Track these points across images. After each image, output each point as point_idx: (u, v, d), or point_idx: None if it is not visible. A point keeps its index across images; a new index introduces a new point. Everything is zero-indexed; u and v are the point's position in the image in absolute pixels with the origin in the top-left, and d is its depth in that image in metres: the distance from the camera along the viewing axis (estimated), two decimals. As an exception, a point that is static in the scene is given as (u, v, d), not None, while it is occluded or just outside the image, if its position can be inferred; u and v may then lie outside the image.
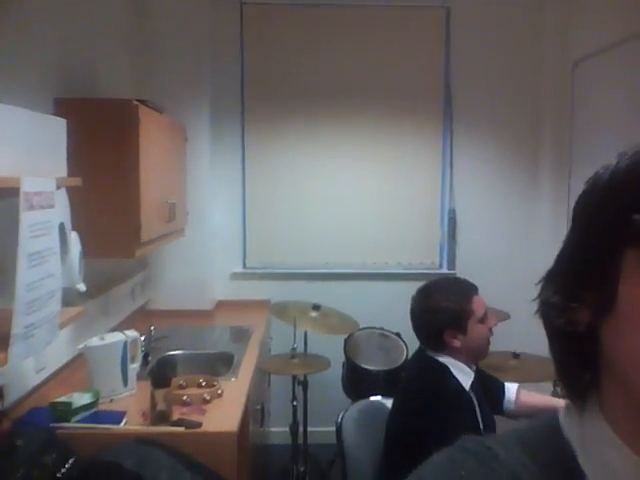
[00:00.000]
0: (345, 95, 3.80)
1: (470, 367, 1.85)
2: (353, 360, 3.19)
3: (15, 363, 1.45)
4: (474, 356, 1.87)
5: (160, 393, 2.04)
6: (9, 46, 1.93)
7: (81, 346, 2.18)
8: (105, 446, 1.78)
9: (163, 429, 1.94)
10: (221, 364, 2.77)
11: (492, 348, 1.91)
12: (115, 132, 2.23)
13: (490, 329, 1.86)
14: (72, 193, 1.79)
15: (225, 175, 3.82)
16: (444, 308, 1.80)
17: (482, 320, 1.82)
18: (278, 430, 3.61)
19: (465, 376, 1.82)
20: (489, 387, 2.00)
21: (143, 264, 3.51)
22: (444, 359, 1.82)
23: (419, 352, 1.92)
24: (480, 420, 1.80)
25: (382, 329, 3.40)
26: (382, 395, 2.23)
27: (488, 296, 1.87)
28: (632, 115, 2.89)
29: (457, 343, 1.80)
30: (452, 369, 1.80)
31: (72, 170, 1.87)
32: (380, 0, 3.74)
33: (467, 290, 1.84)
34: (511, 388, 2.08)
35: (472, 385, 1.82)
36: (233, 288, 3.88)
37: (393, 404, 1.93)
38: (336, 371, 3.20)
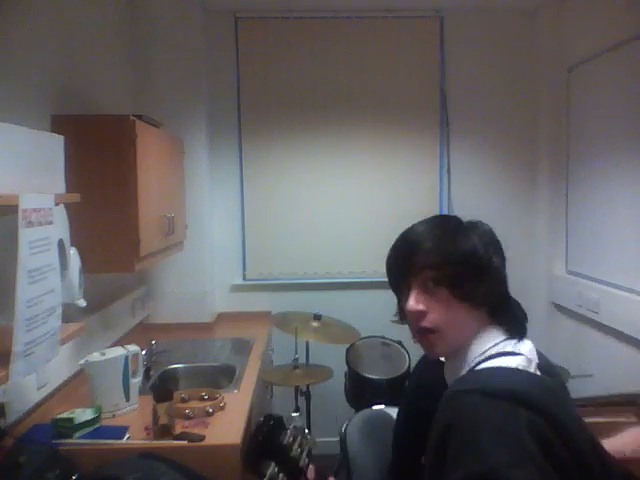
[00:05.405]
0: (341, 105, 3.82)
1: None
2: (355, 369, 3.18)
3: (16, 380, 1.45)
4: None
5: (162, 407, 2.03)
6: (6, 64, 1.94)
7: (82, 362, 2.17)
8: (108, 461, 1.77)
9: (166, 443, 1.94)
10: (223, 377, 2.77)
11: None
12: (113, 148, 2.24)
13: None
14: (71, 209, 1.79)
15: (223, 187, 3.83)
16: None
17: None
18: (282, 442, 3.59)
19: None
20: None
21: (143, 278, 3.51)
22: None
23: (425, 357, 1.90)
24: None
25: (383, 337, 3.39)
26: (385, 404, 2.23)
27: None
28: (629, 119, 2.90)
29: None
30: None
31: (70, 186, 1.87)
32: (374, 11, 3.77)
33: None
34: None
35: None
36: (233, 300, 3.88)
37: (399, 411, 1.92)
38: (339, 381, 3.20)
